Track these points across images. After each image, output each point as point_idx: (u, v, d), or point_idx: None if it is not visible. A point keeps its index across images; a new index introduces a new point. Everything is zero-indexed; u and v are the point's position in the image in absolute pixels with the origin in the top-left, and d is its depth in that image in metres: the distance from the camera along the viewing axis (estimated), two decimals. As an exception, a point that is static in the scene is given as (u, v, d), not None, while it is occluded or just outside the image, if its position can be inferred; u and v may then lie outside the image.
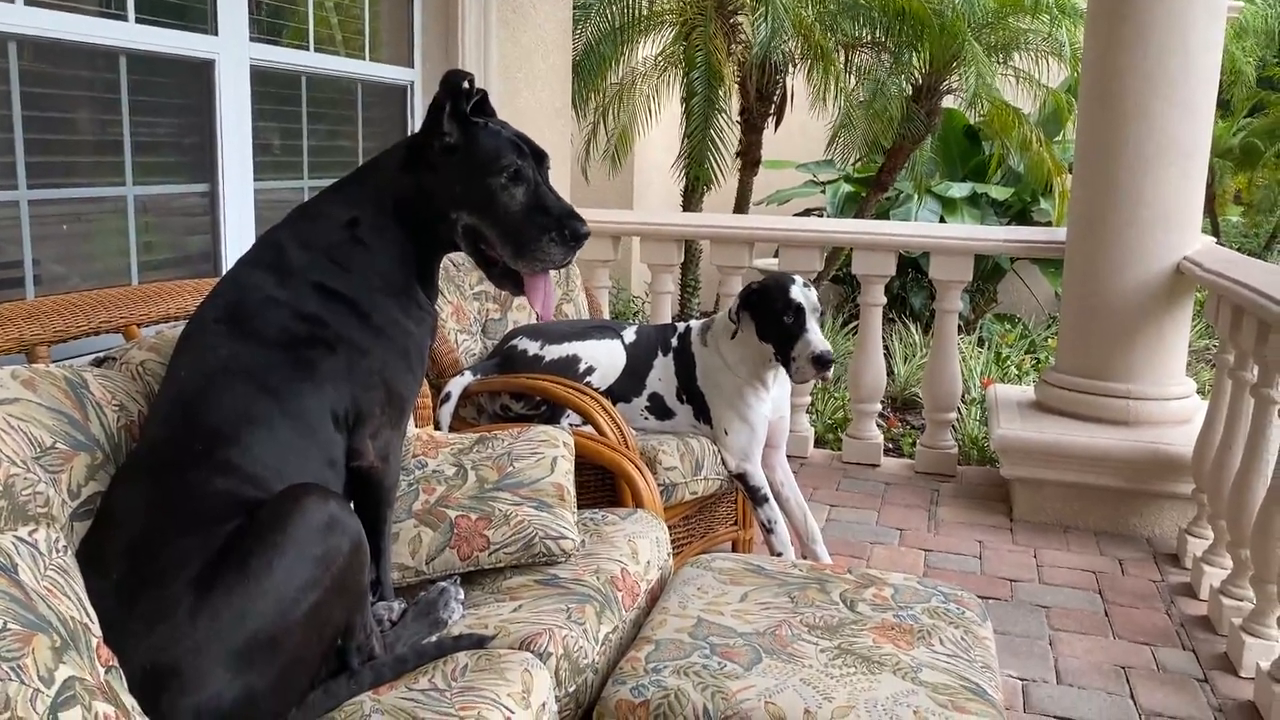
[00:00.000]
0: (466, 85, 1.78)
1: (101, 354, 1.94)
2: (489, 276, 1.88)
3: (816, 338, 2.83)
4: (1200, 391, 4.21)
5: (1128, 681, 2.74)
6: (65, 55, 2.54)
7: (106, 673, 1.28)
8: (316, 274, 1.74)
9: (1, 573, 1.23)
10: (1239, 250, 8.65)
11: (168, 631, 1.39)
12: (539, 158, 1.84)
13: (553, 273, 1.88)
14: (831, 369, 2.85)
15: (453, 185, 1.79)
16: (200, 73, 2.89)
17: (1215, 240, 4.34)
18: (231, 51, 2.94)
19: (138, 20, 2.65)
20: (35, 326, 1.94)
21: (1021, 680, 2.73)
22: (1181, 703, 2.64)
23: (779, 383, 3.08)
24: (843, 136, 7.18)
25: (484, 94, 1.85)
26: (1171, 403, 3.93)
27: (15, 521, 1.35)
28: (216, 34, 2.89)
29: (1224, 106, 11.41)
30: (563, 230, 1.78)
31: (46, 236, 2.53)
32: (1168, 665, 2.84)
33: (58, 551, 1.37)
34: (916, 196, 8.52)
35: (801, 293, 2.87)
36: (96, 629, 1.32)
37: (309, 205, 1.87)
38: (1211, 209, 11.66)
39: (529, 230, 1.78)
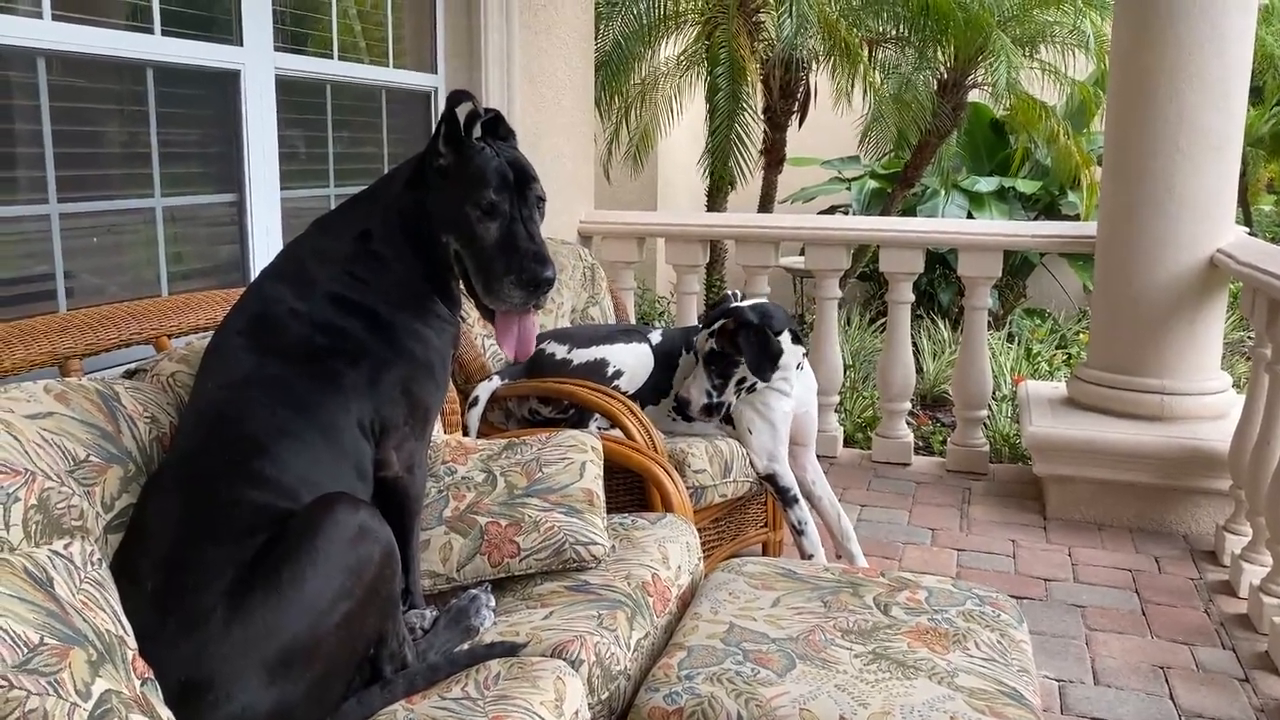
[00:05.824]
0: (472, 106, 1.77)
1: (133, 365, 1.95)
2: (475, 305, 1.83)
3: (695, 387, 2.92)
4: (1236, 385, 4.15)
5: (1167, 681, 2.70)
6: (93, 69, 2.56)
7: (142, 685, 1.28)
8: (334, 286, 1.75)
9: (37, 586, 1.24)
10: (1271, 240, 8.52)
11: (202, 643, 1.40)
12: (523, 187, 1.77)
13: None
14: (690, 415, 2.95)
15: (442, 208, 1.78)
16: (226, 83, 2.91)
17: (1248, 231, 4.27)
18: (257, 62, 2.96)
19: (164, 33, 2.67)
20: (67, 339, 1.96)
21: (1058, 681, 2.70)
22: (1222, 703, 2.60)
23: (802, 380, 3.08)
24: (874, 132, 7.14)
25: (497, 114, 1.82)
26: (1206, 397, 3.87)
27: (50, 535, 1.36)
28: (242, 44, 2.91)
29: (1255, 94, 11.21)
30: (522, 274, 1.72)
31: (77, 249, 2.55)
32: (1207, 665, 2.79)
33: (93, 564, 1.38)
34: (943, 192, 8.46)
35: (705, 339, 2.93)
36: (132, 641, 1.33)
37: (326, 218, 1.88)
38: (1244, 199, 11.45)
39: (495, 268, 1.74)
